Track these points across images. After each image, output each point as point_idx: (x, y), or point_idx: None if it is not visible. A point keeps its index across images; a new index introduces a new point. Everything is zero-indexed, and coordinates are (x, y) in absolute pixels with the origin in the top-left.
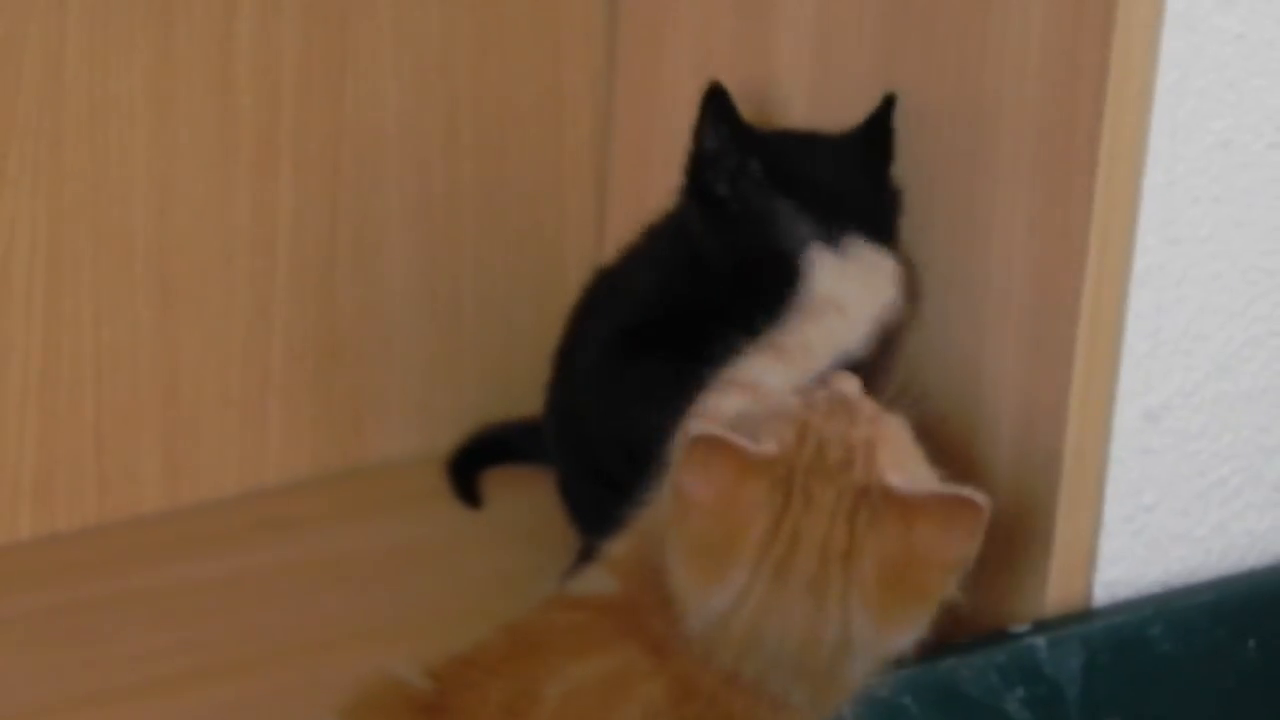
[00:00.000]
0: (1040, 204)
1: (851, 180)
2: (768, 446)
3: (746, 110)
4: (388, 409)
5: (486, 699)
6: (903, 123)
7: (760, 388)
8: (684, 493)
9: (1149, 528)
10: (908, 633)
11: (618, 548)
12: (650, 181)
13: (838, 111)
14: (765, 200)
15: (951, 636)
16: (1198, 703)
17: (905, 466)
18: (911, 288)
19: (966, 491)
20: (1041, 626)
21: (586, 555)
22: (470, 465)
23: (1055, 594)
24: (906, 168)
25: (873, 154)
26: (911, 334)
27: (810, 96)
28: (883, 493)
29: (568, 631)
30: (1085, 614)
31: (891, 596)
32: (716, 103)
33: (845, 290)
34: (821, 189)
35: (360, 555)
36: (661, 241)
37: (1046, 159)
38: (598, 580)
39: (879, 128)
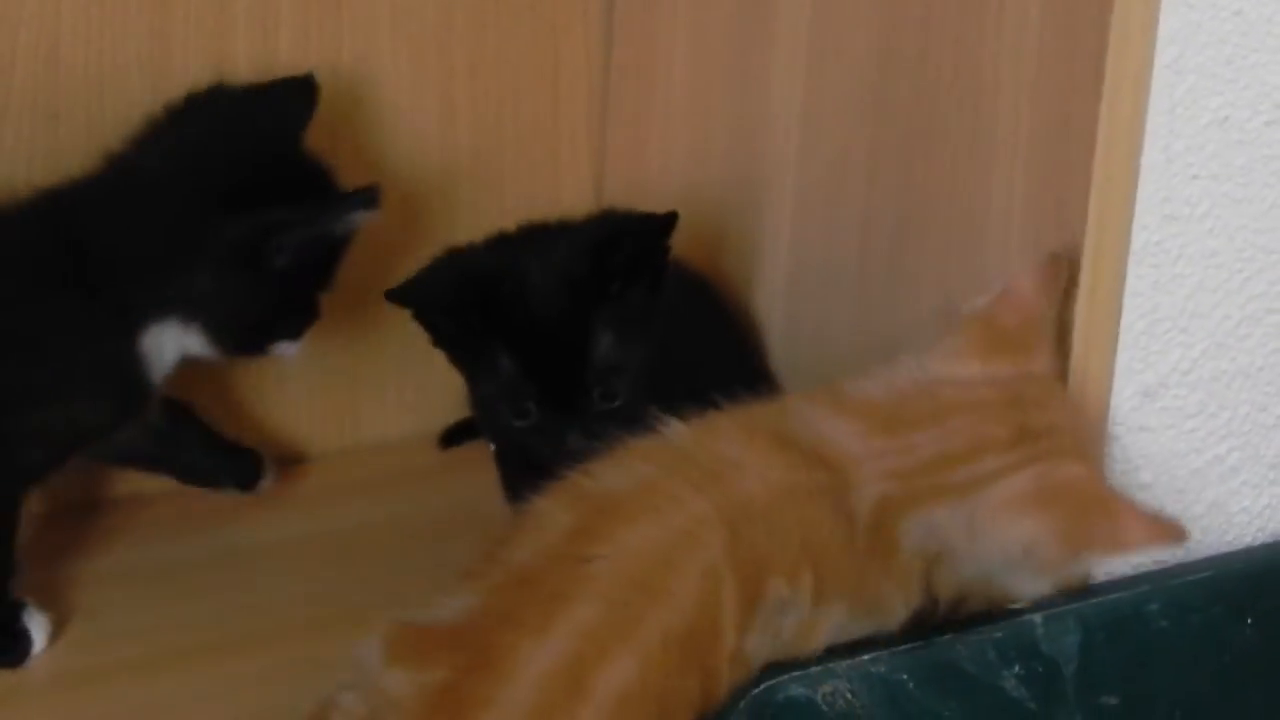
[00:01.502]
0: (1038, 182)
1: None
2: None
3: (743, 82)
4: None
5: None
6: (899, 105)
7: None
8: None
9: (1146, 505)
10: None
11: None
12: (646, 157)
13: (834, 79)
14: None
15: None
16: (1194, 680)
17: None
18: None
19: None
20: (1038, 604)
21: None
22: (461, 435)
23: None
24: (904, 146)
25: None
26: (907, 313)
27: (807, 65)
28: None
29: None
30: (1082, 591)
31: None
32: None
33: None
34: None
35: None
36: None
37: (1044, 137)
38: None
39: None
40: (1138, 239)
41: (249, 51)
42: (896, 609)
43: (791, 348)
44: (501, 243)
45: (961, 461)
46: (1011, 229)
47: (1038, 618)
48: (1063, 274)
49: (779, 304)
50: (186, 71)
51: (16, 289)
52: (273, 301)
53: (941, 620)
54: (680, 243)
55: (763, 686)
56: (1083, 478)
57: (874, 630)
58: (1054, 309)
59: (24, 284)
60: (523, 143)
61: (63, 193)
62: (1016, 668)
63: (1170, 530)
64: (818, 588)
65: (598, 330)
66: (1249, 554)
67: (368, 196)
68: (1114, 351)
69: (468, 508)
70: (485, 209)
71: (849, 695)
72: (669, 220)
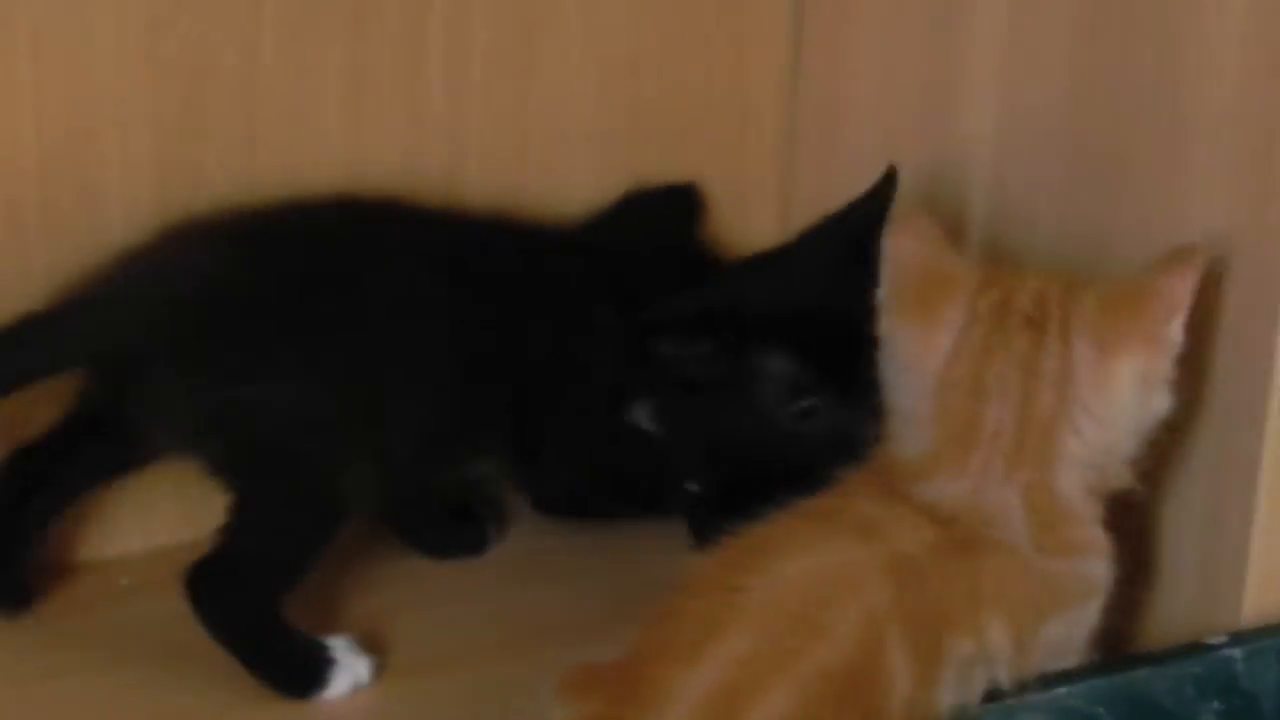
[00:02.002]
0: (1239, 212)
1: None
2: None
3: (929, 121)
4: None
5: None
6: (1094, 130)
7: None
8: (896, 257)
9: None
10: (1129, 372)
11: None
12: (833, 184)
13: (1029, 103)
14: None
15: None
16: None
17: None
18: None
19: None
20: (1239, 638)
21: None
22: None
23: (1252, 605)
24: (1099, 173)
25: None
26: None
27: (999, 103)
28: None
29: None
30: None
31: (1111, 321)
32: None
33: None
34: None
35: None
36: None
37: (1245, 164)
38: None
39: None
40: None
41: (443, 79)
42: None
43: None
44: (742, 271)
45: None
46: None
47: (1238, 652)
48: (1200, 265)
49: None
50: (380, 98)
51: None
52: None
53: (1138, 655)
54: None
55: None
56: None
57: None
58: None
59: None
60: (708, 170)
61: None
62: (1216, 703)
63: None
64: (1015, 633)
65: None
66: None
67: None
68: None
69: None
70: None
71: None
72: (892, 181)
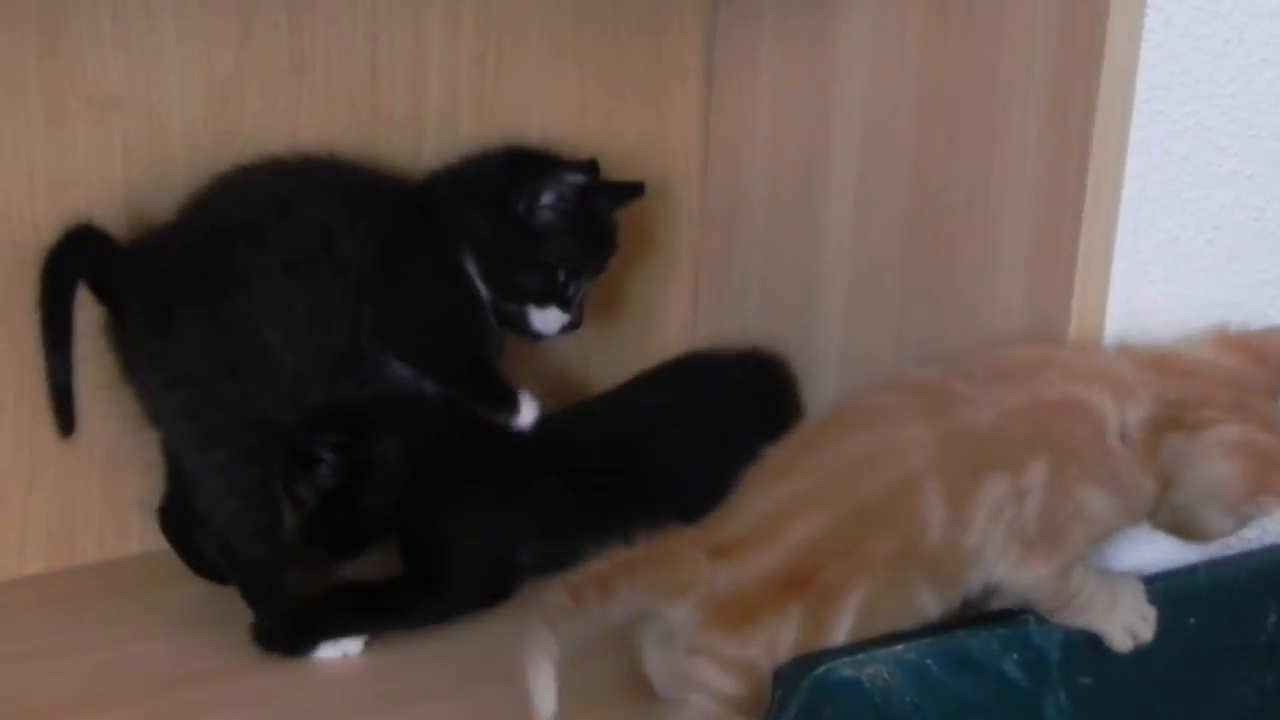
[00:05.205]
0: (1032, 286)
1: None
2: None
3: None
4: None
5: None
6: (926, 226)
7: None
8: None
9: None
10: None
11: None
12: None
13: (876, 207)
14: None
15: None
16: (1154, 664)
17: None
18: None
19: None
20: (1032, 609)
21: None
22: None
23: None
24: (929, 260)
25: None
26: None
27: (855, 197)
28: None
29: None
30: None
31: None
32: None
33: None
34: None
35: None
36: None
37: (1036, 251)
38: None
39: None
40: (1109, 330)
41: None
42: (1141, 509)
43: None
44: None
45: (1193, 407)
46: (1012, 339)
47: (1031, 618)
48: None
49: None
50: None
51: None
52: (519, 248)
53: (958, 620)
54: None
55: (821, 669)
56: (1277, 447)
57: (1128, 524)
58: None
59: None
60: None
61: None
62: (1015, 655)
63: None
64: (1056, 473)
65: None
66: (1194, 569)
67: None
68: None
69: None
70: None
71: (886, 676)
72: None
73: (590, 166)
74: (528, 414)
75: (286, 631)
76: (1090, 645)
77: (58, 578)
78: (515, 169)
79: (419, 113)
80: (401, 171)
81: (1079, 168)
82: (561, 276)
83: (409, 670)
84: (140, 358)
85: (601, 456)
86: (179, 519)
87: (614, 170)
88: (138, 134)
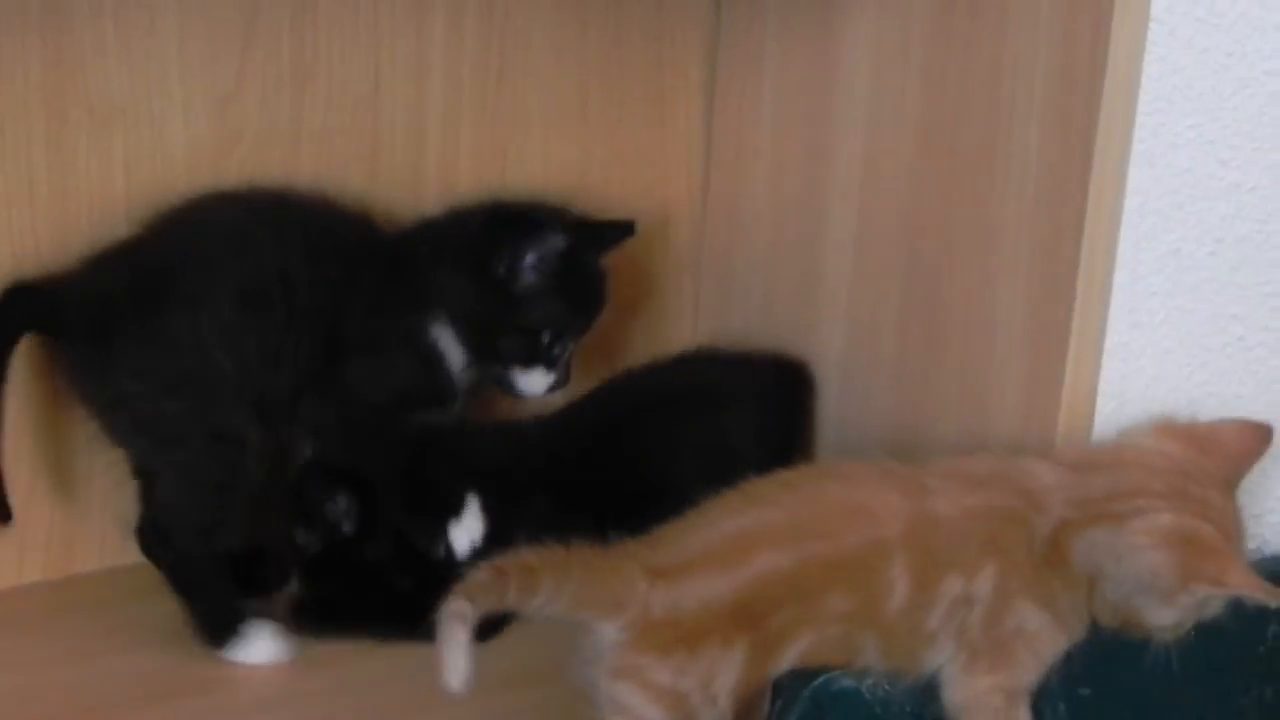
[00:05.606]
0: (1036, 295)
1: None
2: None
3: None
4: None
5: None
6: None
7: None
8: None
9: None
10: None
11: None
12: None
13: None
14: None
15: None
16: (1148, 678)
17: None
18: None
19: None
20: None
21: None
22: None
23: None
24: (927, 266)
25: None
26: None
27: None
28: None
29: None
30: None
31: None
32: None
33: None
34: None
35: None
36: None
37: (1040, 259)
38: None
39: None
40: (1110, 339)
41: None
42: (1077, 623)
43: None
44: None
45: (1121, 498)
46: (1013, 346)
47: None
48: (1267, 444)
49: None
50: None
51: None
52: (501, 312)
53: None
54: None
55: (820, 679)
56: (1212, 534)
57: (1068, 642)
58: (1249, 463)
59: None
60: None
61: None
62: None
63: (1266, 589)
64: (1001, 582)
65: None
66: None
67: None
68: (1090, 430)
69: None
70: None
71: (886, 686)
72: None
73: (576, 223)
74: (461, 540)
75: (209, 624)
76: (1089, 656)
77: (56, 587)
78: (496, 228)
79: (421, 123)
80: (401, 184)
81: (1081, 179)
82: (546, 339)
83: (411, 683)
84: (85, 378)
85: (593, 469)
86: (157, 538)
87: (616, 178)
88: (139, 144)
